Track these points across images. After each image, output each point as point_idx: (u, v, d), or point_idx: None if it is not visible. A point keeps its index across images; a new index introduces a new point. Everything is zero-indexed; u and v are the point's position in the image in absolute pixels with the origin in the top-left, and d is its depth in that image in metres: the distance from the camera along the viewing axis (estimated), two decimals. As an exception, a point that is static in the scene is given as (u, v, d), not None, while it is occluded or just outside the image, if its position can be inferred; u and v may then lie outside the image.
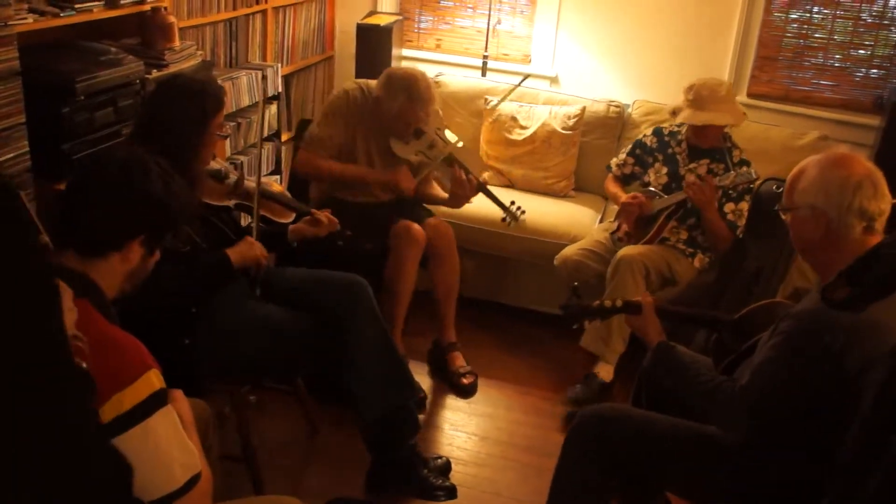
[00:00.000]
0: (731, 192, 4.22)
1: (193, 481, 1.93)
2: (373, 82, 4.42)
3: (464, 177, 4.29)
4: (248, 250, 3.23)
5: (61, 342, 1.56)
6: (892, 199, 2.51)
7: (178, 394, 2.22)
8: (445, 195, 4.48)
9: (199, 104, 3.10)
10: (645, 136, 4.65)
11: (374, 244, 4.10)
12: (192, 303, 3.12)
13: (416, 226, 4.20)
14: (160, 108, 3.10)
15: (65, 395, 1.53)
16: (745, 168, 4.22)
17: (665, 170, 4.45)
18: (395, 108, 4.21)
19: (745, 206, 4.26)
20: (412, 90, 4.20)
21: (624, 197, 4.48)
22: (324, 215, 3.64)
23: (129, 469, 1.82)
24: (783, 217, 2.66)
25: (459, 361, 4.45)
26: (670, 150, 4.48)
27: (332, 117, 4.35)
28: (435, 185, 4.61)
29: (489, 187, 4.41)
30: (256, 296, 3.33)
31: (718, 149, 4.34)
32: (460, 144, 4.46)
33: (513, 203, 4.32)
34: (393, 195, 4.37)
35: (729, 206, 4.25)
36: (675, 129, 4.49)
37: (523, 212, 4.32)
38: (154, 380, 1.89)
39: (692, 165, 4.37)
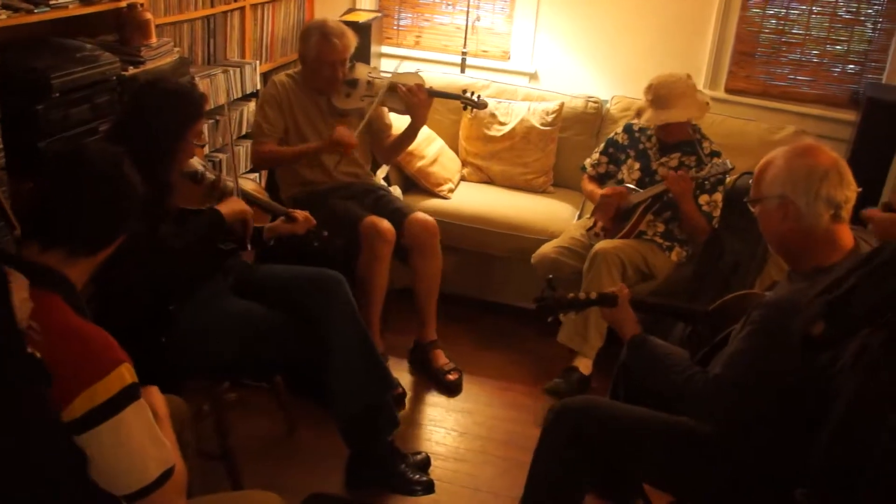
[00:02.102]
0: (705, 183, 4.25)
1: (167, 475, 1.93)
2: (294, 70, 4.57)
3: (412, 87, 4.40)
4: (236, 204, 3.28)
5: (12, 331, 1.57)
6: (857, 188, 2.53)
7: (153, 389, 2.22)
8: (406, 126, 4.60)
9: (179, 111, 3.09)
10: (616, 133, 4.69)
11: (346, 240, 4.09)
12: (195, 265, 3.17)
13: (384, 222, 4.18)
14: (139, 110, 3.09)
15: (16, 384, 1.53)
16: (717, 159, 4.25)
17: (637, 165, 4.48)
18: (313, 50, 4.33)
19: (718, 196, 4.29)
20: (323, 28, 4.33)
21: (602, 191, 4.49)
22: (301, 214, 3.64)
23: (84, 458, 1.82)
24: (752, 209, 2.68)
25: (442, 359, 4.46)
26: (641, 146, 4.51)
27: (266, 106, 4.39)
28: (394, 132, 4.71)
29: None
30: (231, 288, 3.34)
31: (689, 141, 4.37)
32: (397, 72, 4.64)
33: (465, 91, 4.54)
34: (340, 158, 4.42)
35: (704, 198, 4.28)
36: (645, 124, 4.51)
37: (479, 96, 4.49)
38: (126, 374, 1.88)
39: (664, 159, 4.41)
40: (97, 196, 2.11)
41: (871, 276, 1.94)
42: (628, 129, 4.63)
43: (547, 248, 4.52)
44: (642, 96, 4.38)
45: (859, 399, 1.90)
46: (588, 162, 4.78)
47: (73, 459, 1.79)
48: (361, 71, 4.54)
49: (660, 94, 4.26)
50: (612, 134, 4.75)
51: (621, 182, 4.51)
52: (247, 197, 3.52)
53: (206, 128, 3.58)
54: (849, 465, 1.91)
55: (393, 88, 4.44)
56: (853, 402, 1.92)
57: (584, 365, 4.33)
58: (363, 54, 5.43)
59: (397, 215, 4.33)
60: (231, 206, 3.26)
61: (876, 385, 1.88)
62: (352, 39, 4.42)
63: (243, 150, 4.95)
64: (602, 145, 4.75)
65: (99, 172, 2.13)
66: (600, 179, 4.72)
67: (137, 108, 3.11)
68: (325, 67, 4.33)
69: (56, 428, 1.76)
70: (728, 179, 4.43)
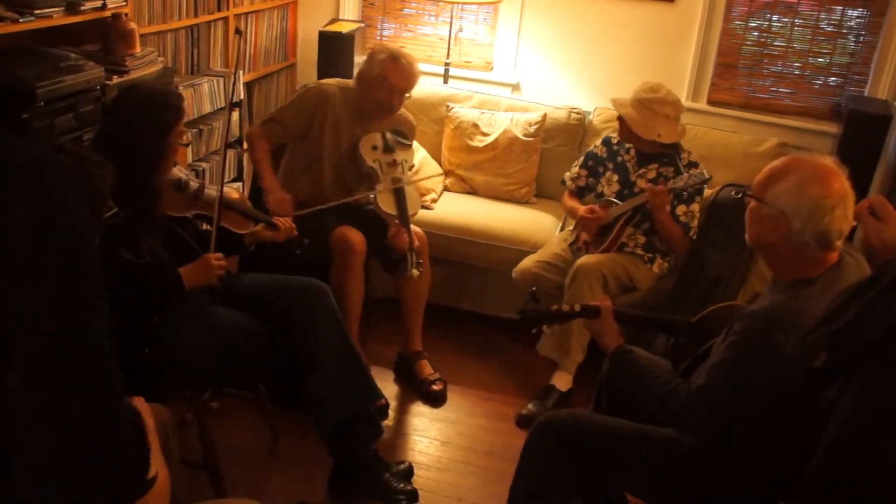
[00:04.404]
0: (683, 194, 4.27)
1: (148, 485, 1.92)
2: (350, 81, 4.51)
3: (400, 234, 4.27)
4: (204, 272, 3.20)
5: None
6: (853, 222, 2.53)
7: (139, 399, 2.21)
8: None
9: (160, 114, 3.11)
10: (595, 146, 4.71)
11: (319, 251, 4.08)
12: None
13: (355, 233, 4.17)
14: (120, 118, 3.11)
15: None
16: (695, 169, 4.26)
17: (616, 178, 4.50)
18: (376, 67, 4.27)
19: (696, 207, 4.32)
20: (395, 52, 4.32)
21: (581, 211, 4.50)
22: (283, 222, 3.64)
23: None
24: (746, 201, 2.67)
25: (428, 369, 4.47)
26: (620, 159, 4.53)
27: (297, 105, 4.39)
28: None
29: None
30: (216, 302, 3.31)
31: (667, 153, 4.39)
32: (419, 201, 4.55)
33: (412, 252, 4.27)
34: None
35: (681, 209, 4.30)
36: None
37: (420, 263, 4.26)
38: None
39: (642, 171, 4.43)
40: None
41: (874, 306, 1.92)
42: (607, 142, 4.65)
43: (528, 263, 4.54)
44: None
45: (856, 420, 1.89)
46: (567, 175, 4.79)
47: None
48: (403, 152, 4.49)
49: (650, 99, 4.30)
50: (591, 147, 4.77)
51: (601, 195, 4.53)
52: (231, 204, 3.52)
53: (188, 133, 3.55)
54: (843, 484, 1.91)
55: (396, 194, 4.34)
56: (849, 423, 1.91)
57: (563, 381, 4.34)
58: (346, 64, 5.44)
59: (380, 225, 4.34)
60: (197, 273, 3.19)
61: (873, 407, 1.87)
62: (418, 75, 4.39)
63: (228, 159, 4.93)
64: (581, 158, 4.77)
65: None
66: (580, 193, 4.74)
67: (118, 117, 3.13)
68: (382, 89, 4.28)
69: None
70: (709, 192, 4.46)
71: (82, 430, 1.53)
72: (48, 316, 1.47)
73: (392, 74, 4.26)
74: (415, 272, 4.18)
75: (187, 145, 3.50)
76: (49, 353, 1.47)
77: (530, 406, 4.27)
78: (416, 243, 4.25)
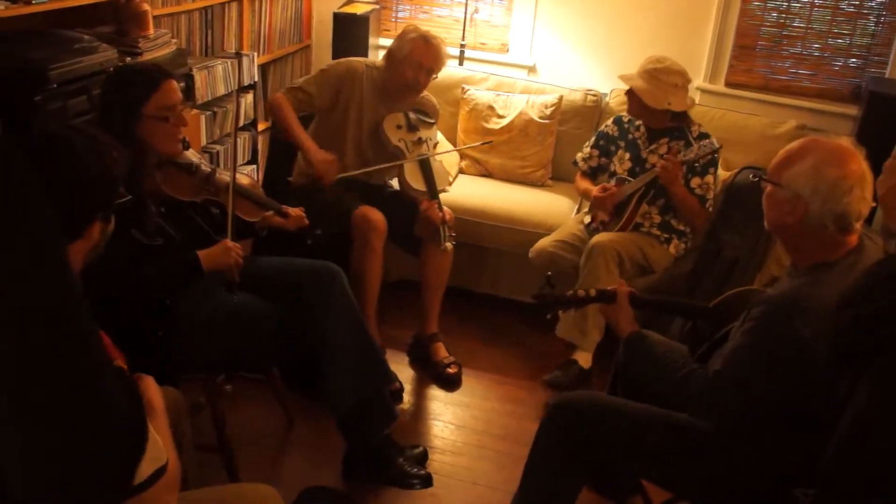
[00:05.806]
0: (695, 165, 4.23)
1: (158, 474, 1.89)
2: (377, 61, 4.54)
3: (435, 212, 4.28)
4: (223, 256, 3.15)
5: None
6: (871, 203, 2.50)
7: (149, 381, 2.19)
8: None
9: (133, 85, 3.06)
10: (606, 125, 4.70)
11: (339, 231, 4.09)
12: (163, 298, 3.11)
13: (376, 213, 4.16)
14: (103, 93, 3.09)
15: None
16: (705, 140, 4.23)
17: (628, 155, 4.49)
18: (406, 46, 4.30)
19: (710, 178, 4.29)
20: (427, 35, 4.35)
21: (594, 190, 4.49)
22: (293, 211, 3.62)
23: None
24: (763, 186, 2.64)
25: (443, 352, 4.46)
26: (630, 136, 4.52)
27: (324, 78, 4.39)
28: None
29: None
30: (232, 292, 3.28)
31: (677, 127, 4.36)
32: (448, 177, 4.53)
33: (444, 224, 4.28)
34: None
35: (695, 181, 4.28)
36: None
37: (453, 237, 4.30)
38: None
39: (653, 147, 4.41)
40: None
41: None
42: (618, 121, 4.63)
43: (545, 243, 4.52)
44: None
45: (872, 411, 1.87)
46: (579, 156, 4.77)
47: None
48: (426, 130, 4.54)
49: (657, 69, 4.30)
50: (602, 126, 4.75)
51: (614, 174, 4.51)
52: (241, 192, 3.49)
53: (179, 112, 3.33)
54: (859, 473, 1.89)
55: (423, 168, 4.41)
56: (864, 413, 1.88)
57: (584, 359, 4.32)
58: (362, 46, 5.42)
59: (414, 206, 4.34)
60: (216, 257, 3.15)
61: (889, 397, 1.84)
62: (446, 58, 4.45)
63: (241, 142, 4.92)
64: (593, 139, 4.75)
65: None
66: (592, 174, 4.73)
67: (103, 91, 3.10)
68: (409, 68, 4.31)
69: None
70: (727, 174, 4.42)
71: (78, 430, 1.52)
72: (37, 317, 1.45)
73: (422, 53, 4.29)
74: (448, 245, 4.22)
75: (178, 125, 3.27)
76: (39, 353, 1.45)
77: (556, 372, 4.30)
78: (448, 217, 4.28)
